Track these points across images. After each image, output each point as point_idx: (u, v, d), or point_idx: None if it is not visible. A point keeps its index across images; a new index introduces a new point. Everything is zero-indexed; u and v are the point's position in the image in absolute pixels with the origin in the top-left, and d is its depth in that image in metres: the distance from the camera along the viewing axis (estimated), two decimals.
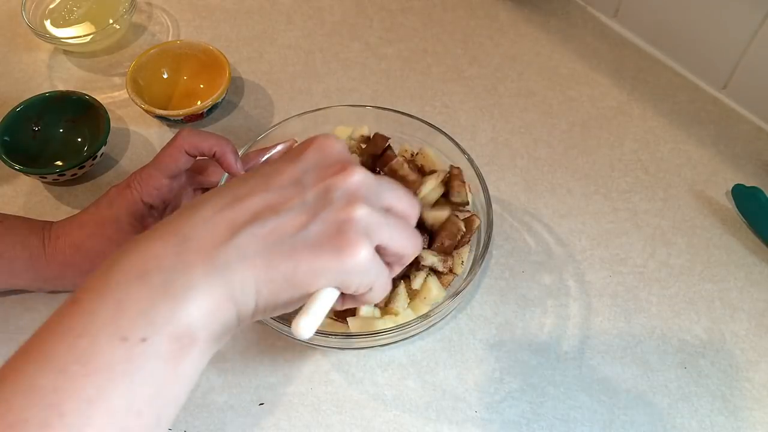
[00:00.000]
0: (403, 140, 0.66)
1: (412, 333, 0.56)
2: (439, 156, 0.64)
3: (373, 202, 0.39)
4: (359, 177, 0.39)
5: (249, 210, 0.37)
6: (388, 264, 0.41)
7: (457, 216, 0.60)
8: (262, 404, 0.58)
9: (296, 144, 0.64)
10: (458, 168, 0.62)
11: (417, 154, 0.64)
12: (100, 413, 0.31)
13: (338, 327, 0.57)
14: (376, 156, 0.63)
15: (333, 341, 0.55)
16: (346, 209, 0.37)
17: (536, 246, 0.66)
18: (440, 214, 0.59)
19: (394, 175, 0.60)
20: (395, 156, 0.62)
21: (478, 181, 0.61)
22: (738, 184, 0.68)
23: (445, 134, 0.63)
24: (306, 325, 0.37)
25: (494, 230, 0.67)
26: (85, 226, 0.58)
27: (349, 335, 0.55)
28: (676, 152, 0.73)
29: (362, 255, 0.37)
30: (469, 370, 0.59)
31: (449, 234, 0.58)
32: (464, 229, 0.59)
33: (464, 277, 0.59)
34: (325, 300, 0.38)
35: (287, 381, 0.59)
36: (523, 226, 0.68)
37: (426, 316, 0.54)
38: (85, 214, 0.59)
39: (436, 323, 0.58)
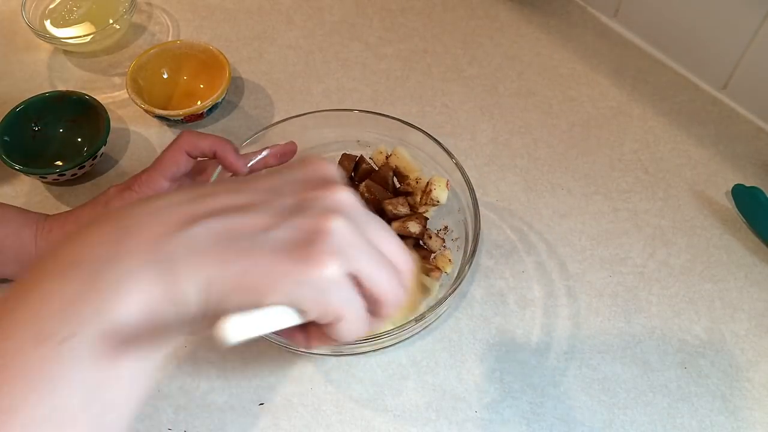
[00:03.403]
0: (393, 144, 0.66)
1: (409, 335, 0.56)
2: (415, 155, 0.64)
3: (357, 226, 0.33)
4: (347, 196, 0.34)
5: (210, 206, 0.32)
6: None
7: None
8: (262, 404, 0.58)
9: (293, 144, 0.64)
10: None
11: (391, 155, 0.64)
12: (19, 424, 0.27)
13: None
14: (350, 177, 0.65)
15: (325, 348, 0.55)
16: (322, 218, 0.32)
17: (536, 246, 0.66)
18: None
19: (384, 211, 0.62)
20: (372, 168, 0.64)
21: (462, 178, 0.60)
22: (738, 184, 0.68)
23: (426, 132, 0.63)
24: (233, 328, 0.29)
25: (494, 230, 0.67)
26: (80, 221, 0.58)
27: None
28: (676, 152, 0.73)
29: (330, 270, 0.31)
30: (469, 370, 0.59)
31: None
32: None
33: (455, 274, 0.59)
34: (274, 316, 0.31)
35: (287, 381, 0.59)
36: (523, 226, 0.68)
37: (422, 317, 0.54)
38: (82, 210, 0.59)
39: (432, 322, 0.58)
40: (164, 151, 0.59)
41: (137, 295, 0.29)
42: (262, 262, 0.31)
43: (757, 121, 0.75)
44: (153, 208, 0.32)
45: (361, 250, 0.33)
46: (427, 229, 0.62)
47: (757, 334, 0.61)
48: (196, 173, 0.63)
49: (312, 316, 0.32)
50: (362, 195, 0.62)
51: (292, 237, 0.31)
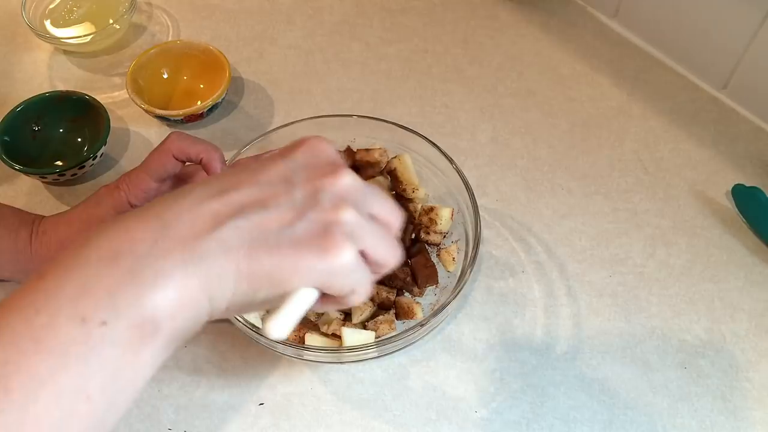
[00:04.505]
0: (393, 147, 0.66)
1: (413, 341, 0.56)
2: (415, 159, 0.64)
3: (360, 207, 0.38)
4: (348, 180, 0.39)
5: (234, 202, 0.36)
6: None
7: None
8: (262, 404, 0.58)
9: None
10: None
11: (395, 157, 0.64)
12: (48, 394, 0.30)
13: (333, 341, 0.58)
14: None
15: (329, 357, 0.56)
16: (334, 211, 0.37)
17: (536, 246, 0.66)
18: None
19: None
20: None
21: (461, 181, 0.61)
22: (738, 184, 0.68)
23: (426, 138, 0.63)
24: (279, 326, 0.36)
25: (494, 230, 0.67)
26: (72, 223, 0.58)
27: (351, 348, 0.55)
28: (676, 152, 0.73)
29: (347, 256, 0.36)
30: (469, 370, 0.59)
31: None
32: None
33: (458, 275, 0.59)
34: (302, 300, 0.37)
35: (287, 381, 0.59)
36: (524, 226, 0.68)
37: (426, 321, 0.54)
38: (74, 212, 0.59)
39: (435, 327, 0.58)
40: (152, 152, 0.59)
41: (173, 290, 0.33)
42: (288, 257, 0.35)
43: (757, 121, 0.75)
44: (182, 207, 0.35)
45: (366, 229, 0.38)
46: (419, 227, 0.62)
47: (757, 334, 0.61)
48: (181, 181, 0.63)
49: (331, 293, 0.38)
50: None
51: (310, 230, 0.36)
